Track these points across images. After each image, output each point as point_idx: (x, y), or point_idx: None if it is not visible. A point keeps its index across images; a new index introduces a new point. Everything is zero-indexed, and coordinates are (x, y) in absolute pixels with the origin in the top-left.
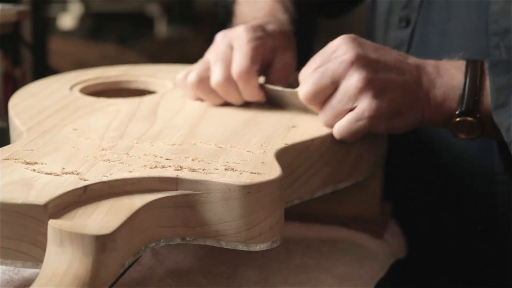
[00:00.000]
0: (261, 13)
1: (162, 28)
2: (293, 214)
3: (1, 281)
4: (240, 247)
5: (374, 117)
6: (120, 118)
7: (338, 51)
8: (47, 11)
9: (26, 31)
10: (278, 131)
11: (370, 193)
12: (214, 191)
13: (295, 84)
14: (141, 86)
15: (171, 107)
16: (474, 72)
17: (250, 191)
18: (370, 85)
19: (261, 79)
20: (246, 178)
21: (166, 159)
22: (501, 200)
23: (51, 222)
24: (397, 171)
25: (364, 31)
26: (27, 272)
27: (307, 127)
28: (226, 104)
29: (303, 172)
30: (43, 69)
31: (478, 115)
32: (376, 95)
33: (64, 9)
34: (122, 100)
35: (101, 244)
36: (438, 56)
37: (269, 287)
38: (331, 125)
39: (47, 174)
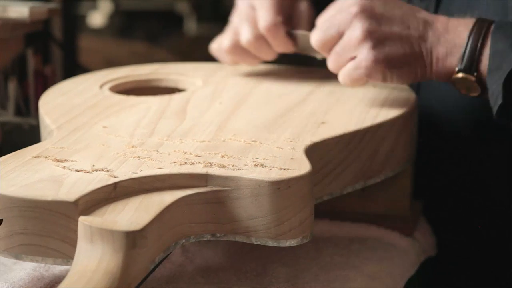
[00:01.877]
0: None
1: (191, 26)
2: (323, 211)
3: (32, 278)
4: (270, 243)
5: (370, 67)
6: (150, 116)
7: (347, 2)
8: (77, 9)
9: (57, 29)
10: (307, 127)
11: (400, 191)
12: (244, 187)
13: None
14: (170, 84)
15: (200, 104)
16: (479, 31)
17: (279, 187)
18: (370, 36)
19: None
20: (276, 174)
21: (196, 156)
22: None
23: (82, 219)
24: (427, 168)
25: None
26: (58, 269)
27: (336, 123)
28: (254, 100)
29: (333, 168)
30: (73, 66)
31: (476, 74)
32: (375, 46)
33: (94, 7)
34: (152, 98)
35: (131, 240)
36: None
37: (299, 285)
38: (335, 70)
39: (77, 171)
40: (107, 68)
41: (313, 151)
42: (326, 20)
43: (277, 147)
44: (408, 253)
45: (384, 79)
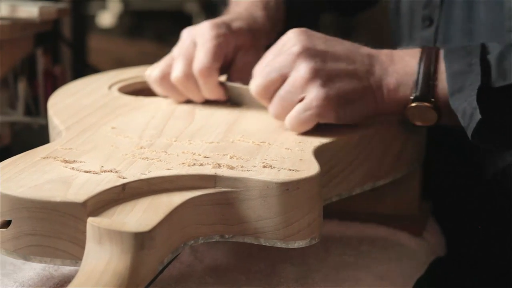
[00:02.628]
0: (239, 8)
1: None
2: (332, 211)
3: (41, 278)
4: (279, 244)
5: (322, 106)
6: (159, 117)
7: (287, 44)
8: (86, 9)
9: (66, 28)
10: (316, 128)
11: (409, 191)
12: (252, 188)
13: None
14: None
15: (209, 105)
16: (429, 58)
17: (288, 188)
18: (318, 75)
19: (223, 78)
20: (284, 175)
21: (204, 157)
22: None
23: (90, 220)
24: (436, 169)
25: (379, 29)
26: (67, 268)
27: (345, 125)
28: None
29: (342, 170)
30: (82, 66)
31: (433, 99)
32: (324, 84)
33: (103, 7)
34: (161, 99)
35: (140, 241)
36: None
37: (308, 285)
38: (280, 117)
39: (86, 172)
40: (116, 67)
41: (322, 153)
42: (266, 65)
43: (285, 148)
44: (417, 253)
45: (337, 118)
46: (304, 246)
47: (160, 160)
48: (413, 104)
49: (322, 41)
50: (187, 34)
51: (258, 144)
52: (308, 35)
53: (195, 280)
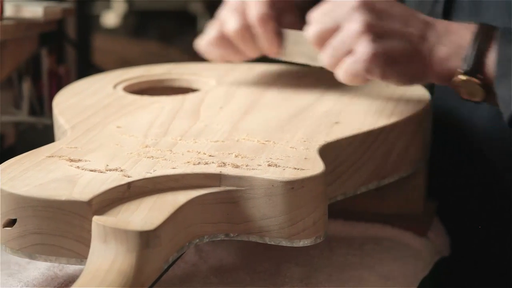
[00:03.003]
0: None
1: (205, 26)
2: (337, 211)
3: (46, 277)
4: (284, 243)
5: (368, 61)
6: (164, 116)
7: None
8: (91, 8)
9: (71, 28)
10: (321, 127)
11: (414, 190)
12: (257, 187)
13: None
14: (184, 84)
15: (214, 104)
16: (484, 35)
17: (293, 186)
18: (370, 30)
19: None
20: (289, 174)
21: (209, 156)
22: None
23: (95, 219)
24: (441, 168)
25: None
26: (71, 268)
27: (350, 123)
28: (268, 100)
29: (347, 168)
30: (87, 66)
31: (481, 76)
32: (374, 40)
33: (107, 6)
34: (166, 98)
35: (145, 240)
36: None
37: (312, 285)
38: (331, 66)
39: (91, 171)
40: (121, 67)
41: (327, 151)
42: (323, 13)
43: (290, 147)
44: (422, 253)
45: (384, 76)
46: (309, 244)
47: (165, 159)
48: (461, 77)
49: (381, 0)
50: None
51: (263, 143)
52: None
53: (199, 279)
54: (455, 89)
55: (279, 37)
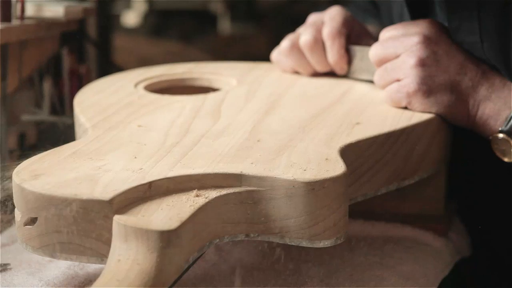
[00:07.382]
0: None
1: (225, 25)
2: (357, 211)
3: (66, 276)
4: (304, 243)
5: (410, 95)
6: (185, 115)
7: (416, 28)
8: (111, 8)
9: (91, 28)
10: (342, 127)
11: (435, 191)
12: (278, 188)
13: None
14: (205, 83)
15: (235, 104)
16: None
17: (314, 187)
18: (422, 66)
19: None
20: (310, 175)
21: (230, 156)
22: None
23: (116, 218)
24: (462, 168)
25: None
26: (92, 267)
27: (371, 124)
28: (289, 100)
29: (367, 169)
30: (107, 65)
31: None
32: (423, 78)
33: (128, 6)
34: (187, 97)
35: (166, 239)
36: None
37: (333, 285)
38: (378, 85)
39: (112, 170)
40: (141, 67)
41: (348, 152)
42: (390, 38)
43: (312, 148)
44: (442, 254)
45: (423, 110)
46: (329, 245)
47: (186, 159)
48: (498, 135)
49: (446, 42)
50: (314, 16)
51: (284, 143)
52: (437, 30)
53: (220, 279)
54: (490, 144)
55: (347, 54)
